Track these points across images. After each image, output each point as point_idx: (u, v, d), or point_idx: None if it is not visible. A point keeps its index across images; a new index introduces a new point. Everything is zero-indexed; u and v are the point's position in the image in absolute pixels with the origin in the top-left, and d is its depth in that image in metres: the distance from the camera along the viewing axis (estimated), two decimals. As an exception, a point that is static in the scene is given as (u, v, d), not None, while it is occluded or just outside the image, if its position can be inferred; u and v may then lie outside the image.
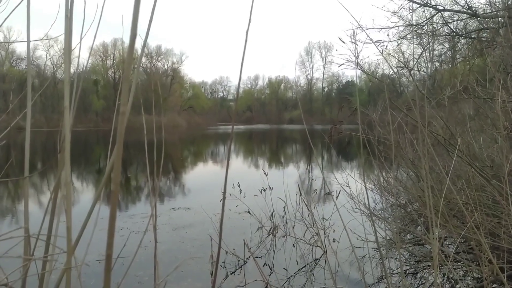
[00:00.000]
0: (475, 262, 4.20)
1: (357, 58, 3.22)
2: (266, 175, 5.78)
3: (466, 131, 5.09)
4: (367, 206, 4.83)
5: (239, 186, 6.10)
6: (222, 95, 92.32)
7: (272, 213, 5.70)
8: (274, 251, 5.45)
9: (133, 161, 17.67)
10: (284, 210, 5.74)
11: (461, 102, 5.97)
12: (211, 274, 4.65)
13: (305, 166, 15.21)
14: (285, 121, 77.41)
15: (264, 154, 23.54)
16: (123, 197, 9.85)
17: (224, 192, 1.11)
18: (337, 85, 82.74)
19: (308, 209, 4.45)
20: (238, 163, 17.55)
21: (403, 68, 3.78)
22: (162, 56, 66.98)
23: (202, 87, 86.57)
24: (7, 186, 10.43)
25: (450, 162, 4.93)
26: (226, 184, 1.09)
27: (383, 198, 5.51)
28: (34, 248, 1.01)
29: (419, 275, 5.01)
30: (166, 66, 67.56)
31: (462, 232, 3.86)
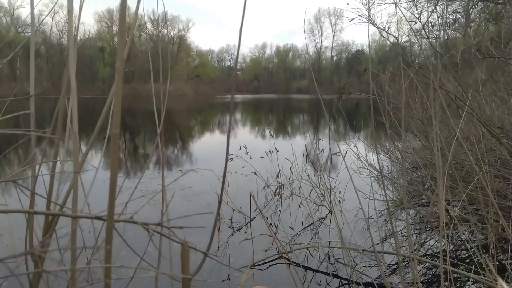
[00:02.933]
0: (482, 223, 4.21)
1: (369, 12, 3.11)
2: (273, 137, 5.75)
3: (478, 94, 4.98)
4: (374, 166, 4.83)
5: (246, 148, 6.10)
6: (229, 64, 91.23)
7: (278, 173, 5.72)
8: (280, 211, 5.51)
9: (141, 129, 17.74)
10: (290, 170, 5.75)
11: (474, 66, 5.82)
12: (218, 230, 4.74)
13: (313, 135, 15.17)
14: (293, 91, 76.66)
15: (271, 124, 23.46)
16: (132, 164, 9.96)
17: (225, 168, 1.08)
18: (346, 54, 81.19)
19: (315, 168, 4.44)
20: (245, 133, 17.54)
21: (416, 23, 3.65)
22: (168, 22, 65.81)
23: (209, 55, 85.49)
24: (17, 152, 10.56)
25: (461, 125, 4.86)
26: (227, 155, 1.06)
27: (391, 160, 5.49)
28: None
29: (425, 235, 5.05)
30: (172, 34, 66.57)
31: (469, 190, 3.85)
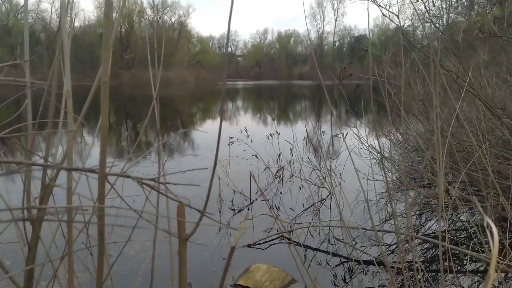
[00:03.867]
0: (482, 203, 4.22)
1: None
2: (274, 120, 5.74)
3: (480, 75, 4.94)
4: (375, 147, 4.83)
5: (246, 132, 6.10)
6: (230, 50, 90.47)
7: (279, 155, 5.72)
8: (281, 193, 5.54)
9: (143, 116, 17.71)
10: (291, 152, 5.76)
11: (477, 48, 5.76)
12: (219, 212, 4.77)
13: (315, 121, 15.12)
14: (295, 77, 76.17)
15: (273, 110, 23.38)
16: (134, 150, 9.94)
17: (215, 166, 1.07)
18: (348, 39, 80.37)
19: (315, 150, 4.44)
20: (246, 119, 17.47)
21: (418, 1, 3.59)
22: (168, 8, 65.17)
23: (210, 41, 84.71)
24: (19, 139, 10.56)
25: (462, 106, 4.84)
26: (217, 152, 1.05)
27: (392, 142, 5.49)
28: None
29: (424, 216, 5.08)
30: (172, 20, 65.92)
31: (469, 170, 3.85)
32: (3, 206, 0.81)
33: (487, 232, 0.53)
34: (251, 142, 6.03)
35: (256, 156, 5.77)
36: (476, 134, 3.89)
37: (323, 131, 5.85)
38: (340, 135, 3.86)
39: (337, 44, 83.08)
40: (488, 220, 0.52)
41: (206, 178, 5.86)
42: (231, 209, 4.92)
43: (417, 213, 5.22)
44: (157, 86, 1.29)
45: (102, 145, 0.63)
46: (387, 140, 6.12)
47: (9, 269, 0.94)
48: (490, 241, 0.53)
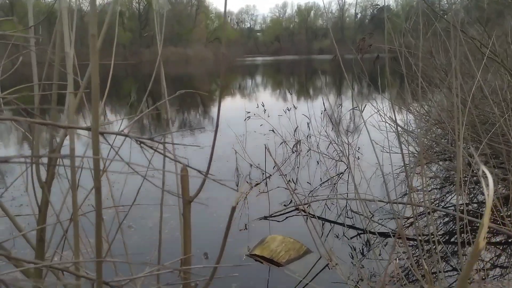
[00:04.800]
0: (503, 176, 4.11)
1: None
2: (291, 94, 5.68)
3: (507, 43, 4.71)
4: (393, 119, 4.72)
5: (263, 106, 6.07)
6: (249, 25, 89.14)
7: (295, 129, 5.69)
8: (298, 167, 5.54)
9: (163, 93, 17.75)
10: (308, 126, 5.71)
11: (504, 14, 5.47)
12: (236, 185, 4.83)
13: (335, 96, 14.85)
14: (315, 52, 74.67)
15: (292, 86, 23.09)
16: (149, 126, 10.08)
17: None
18: (371, 11, 77.75)
19: (333, 124, 4.39)
20: (265, 95, 17.31)
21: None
22: (186, -16, 64.30)
23: (228, 17, 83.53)
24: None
25: (486, 76, 4.65)
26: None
27: (413, 115, 5.36)
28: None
29: (446, 190, 5.00)
30: (190, -4, 65.11)
31: (492, 141, 3.73)
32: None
33: (483, 182, 0.52)
34: (268, 117, 6.00)
35: (273, 131, 5.76)
36: (500, 105, 3.74)
37: (341, 104, 5.76)
38: (358, 108, 3.79)
39: (359, 16, 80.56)
40: (483, 168, 0.50)
41: (222, 151, 5.90)
42: (248, 183, 4.96)
43: (437, 186, 5.14)
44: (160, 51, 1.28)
45: (94, 102, 0.63)
46: (410, 115, 5.98)
47: (23, 228, 0.98)
48: (485, 190, 0.51)
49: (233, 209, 0.88)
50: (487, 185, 0.50)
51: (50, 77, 1.03)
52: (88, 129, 0.68)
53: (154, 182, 0.99)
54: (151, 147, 0.76)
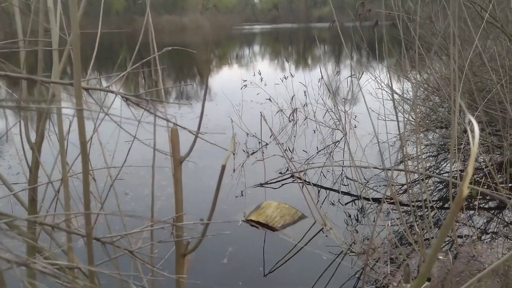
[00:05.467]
0: (498, 143, 4.13)
1: None
2: (288, 62, 5.60)
3: (509, 9, 4.60)
4: (390, 85, 4.68)
5: (260, 74, 5.99)
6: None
7: (292, 97, 5.65)
8: (294, 136, 5.54)
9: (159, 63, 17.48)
10: (305, 94, 5.67)
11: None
12: (233, 154, 4.84)
13: (333, 66, 14.66)
14: (314, 20, 73.10)
15: (291, 55, 22.74)
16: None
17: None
18: (372, -23, 75.48)
19: (330, 92, 4.35)
20: (262, 65, 17.09)
21: None
22: None
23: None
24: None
25: (486, 43, 4.58)
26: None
27: (411, 82, 5.31)
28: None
29: (441, 157, 5.03)
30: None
31: (488, 108, 3.72)
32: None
33: (468, 130, 0.51)
34: (265, 85, 5.94)
35: (269, 99, 5.72)
36: (498, 72, 3.71)
37: (338, 71, 5.69)
38: (355, 76, 3.75)
39: (359, -18, 78.34)
40: (469, 116, 0.49)
41: (219, 121, 5.87)
42: (244, 151, 4.98)
43: (433, 154, 5.17)
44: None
45: (75, 55, 0.62)
46: (408, 83, 5.92)
47: (14, 189, 0.98)
48: (470, 138, 0.50)
49: (223, 167, 0.88)
50: (473, 132, 0.49)
51: (37, 34, 1.00)
52: (71, 84, 0.67)
53: (145, 145, 0.99)
54: (137, 105, 0.75)
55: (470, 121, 0.50)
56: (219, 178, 0.90)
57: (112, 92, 0.70)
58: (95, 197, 1.12)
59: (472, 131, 0.48)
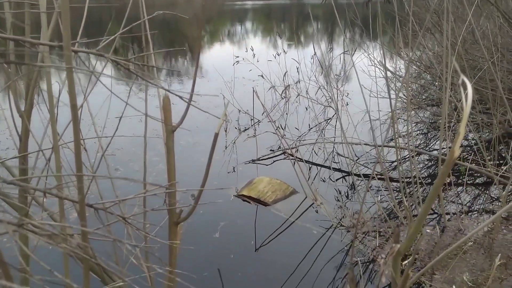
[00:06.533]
0: (487, 120, 4.17)
1: None
2: (281, 37, 5.52)
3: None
4: (383, 63, 4.67)
5: (252, 51, 5.92)
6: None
7: (285, 73, 5.61)
8: (286, 114, 5.54)
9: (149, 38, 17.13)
10: (297, 71, 5.63)
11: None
12: (225, 131, 4.83)
13: (326, 43, 14.50)
14: (307, -4, 71.82)
15: (283, 33, 22.44)
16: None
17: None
18: (366, -47, 74.11)
19: (322, 68, 4.33)
20: (255, 42, 16.86)
21: None
22: None
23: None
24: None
25: (478, 20, 4.56)
26: None
27: (404, 60, 5.30)
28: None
29: (431, 134, 5.08)
30: None
31: (479, 85, 3.74)
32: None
33: (462, 92, 0.51)
34: (258, 62, 5.88)
35: (262, 76, 5.67)
36: (490, 50, 3.71)
37: (331, 48, 5.64)
38: (348, 52, 3.72)
39: (353, -42, 76.87)
40: (463, 77, 0.49)
41: (214, 99, 5.77)
42: (236, 128, 4.97)
43: (423, 132, 5.22)
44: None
45: (64, 16, 0.60)
46: (401, 60, 5.91)
47: (1, 157, 0.97)
48: (463, 99, 0.51)
49: (216, 136, 0.88)
50: (465, 93, 0.49)
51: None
52: (60, 46, 0.65)
53: (137, 122, 0.97)
54: (128, 69, 0.74)
55: (463, 81, 0.50)
56: (212, 145, 0.90)
57: (101, 55, 0.68)
58: (87, 167, 1.12)
59: (465, 88, 0.48)
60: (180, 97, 0.87)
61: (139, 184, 3.33)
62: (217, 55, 12.31)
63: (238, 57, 5.59)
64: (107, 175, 1.25)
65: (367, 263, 2.54)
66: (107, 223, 0.88)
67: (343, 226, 2.92)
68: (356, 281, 2.36)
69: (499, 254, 1.83)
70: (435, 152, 4.24)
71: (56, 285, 0.65)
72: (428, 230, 2.79)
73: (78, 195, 0.71)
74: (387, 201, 3.40)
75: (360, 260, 2.53)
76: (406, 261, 2.35)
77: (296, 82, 5.96)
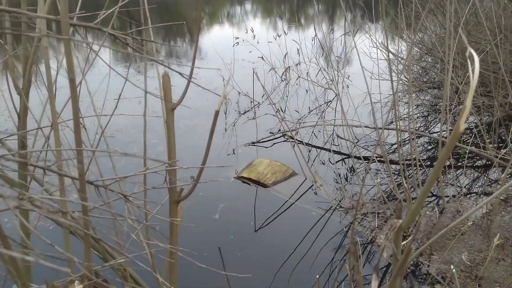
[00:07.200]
0: (489, 103, 4.15)
1: None
2: (281, 19, 5.44)
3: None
4: (385, 45, 4.62)
5: (253, 32, 5.85)
6: None
7: (285, 55, 5.55)
8: (287, 96, 5.50)
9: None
10: (298, 53, 5.57)
11: None
12: (225, 113, 4.82)
13: (327, 25, 14.30)
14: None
15: (284, 14, 22.11)
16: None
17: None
18: None
19: (323, 50, 4.28)
20: (255, 24, 16.63)
21: None
22: None
23: None
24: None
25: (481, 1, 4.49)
26: None
27: (406, 42, 5.24)
28: None
29: (431, 117, 5.07)
30: None
31: (480, 66, 3.71)
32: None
33: (469, 63, 0.50)
34: (258, 43, 5.81)
35: (262, 58, 5.61)
36: (493, 32, 3.66)
37: (332, 29, 5.56)
38: (350, 33, 3.67)
39: None
40: (470, 49, 0.48)
41: (214, 81, 5.74)
42: (236, 111, 4.95)
43: (424, 114, 5.20)
44: None
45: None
46: (403, 42, 5.83)
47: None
48: (470, 71, 0.49)
49: (217, 113, 0.87)
50: (473, 65, 0.48)
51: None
52: (57, 19, 0.63)
53: (136, 103, 0.96)
54: (127, 44, 0.72)
55: (470, 53, 0.49)
56: (212, 122, 0.89)
57: (99, 29, 0.67)
58: (86, 146, 1.11)
59: (472, 62, 0.47)
60: (180, 74, 0.85)
61: (139, 165, 3.33)
62: (216, 37, 12.17)
63: (238, 38, 5.52)
64: (107, 161, 1.24)
65: (366, 244, 2.56)
66: (107, 201, 0.88)
67: (342, 207, 2.94)
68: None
69: (498, 235, 1.84)
70: (435, 135, 4.24)
71: (57, 259, 0.65)
72: (427, 212, 2.81)
73: (78, 169, 0.70)
74: (386, 183, 3.41)
75: (359, 241, 2.56)
76: (404, 242, 2.37)
77: (297, 64, 5.90)
